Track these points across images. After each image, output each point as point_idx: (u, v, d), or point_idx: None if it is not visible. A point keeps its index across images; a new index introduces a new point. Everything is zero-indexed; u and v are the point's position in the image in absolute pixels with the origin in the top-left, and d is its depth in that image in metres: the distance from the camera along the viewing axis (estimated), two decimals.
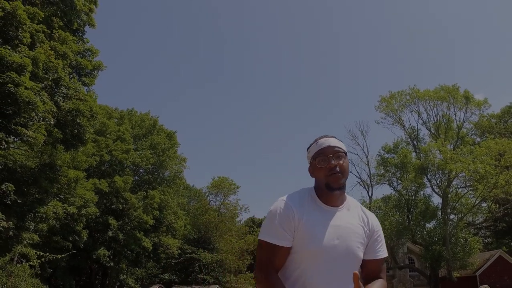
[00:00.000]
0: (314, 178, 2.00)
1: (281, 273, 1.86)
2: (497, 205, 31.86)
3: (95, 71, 23.20)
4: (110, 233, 30.35)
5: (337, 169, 1.88)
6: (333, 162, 1.89)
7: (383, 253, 1.99)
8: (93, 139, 26.85)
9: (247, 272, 45.73)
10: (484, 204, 32.29)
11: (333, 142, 1.95)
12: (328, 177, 1.88)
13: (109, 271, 33.82)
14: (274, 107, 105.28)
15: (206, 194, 45.82)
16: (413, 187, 32.97)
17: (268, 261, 1.83)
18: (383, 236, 2.05)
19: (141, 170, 34.87)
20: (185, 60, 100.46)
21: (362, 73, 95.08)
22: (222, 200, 45.29)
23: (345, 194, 2.00)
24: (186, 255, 41.25)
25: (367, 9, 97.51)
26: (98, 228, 29.94)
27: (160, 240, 35.95)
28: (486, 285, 13.43)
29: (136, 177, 34.83)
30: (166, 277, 41.71)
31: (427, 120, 33.57)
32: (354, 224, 1.92)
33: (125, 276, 35.07)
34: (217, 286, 42.18)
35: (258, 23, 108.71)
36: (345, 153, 1.98)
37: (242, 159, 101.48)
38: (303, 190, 1.99)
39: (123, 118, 33.91)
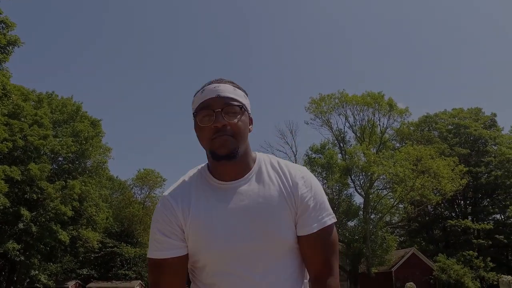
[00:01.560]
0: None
1: (194, 279, 1.35)
2: (413, 207, 33.69)
3: (10, 47, 20.82)
4: (21, 225, 27.56)
5: (228, 128, 1.28)
6: (220, 120, 1.28)
7: (318, 224, 1.31)
8: (5, 122, 23.97)
9: None
10: (401, 205, 33.96)
11: (224, 90, 1.33)
12: (212, 142, 1.29)
13: (17, 267, 30.68)
14: None
15: (131, 187, 43.73)
16: (337, 187, 33.77)
17: (158, 285, 1.29)
18: (324, 197, 1.37)
19: (60, 158, 32.00)
20: (116, 43, 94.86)
21: (295, 74, 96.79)
22: (147, 193, 43.48)
23: (255, 154, 1.41)
24: (107, 249, 38.96)
25: (304, 8, 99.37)
26: (7, 220, 27.07)
27: (79, 233, 33.42)
28: (411, 283, 13.62)
29: (55, 166, 31.93)
30: (84, 272, 39.03)
31: (354, 123, 34.63)
32: (268, 195, 1.31)
33: (36, 272, 32.02)
34: (139, 281, 40.44)
35: (187, 13, 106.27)
36: (242, 107, 1.33)
37: (170, 152, 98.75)
38: (192, 171, 1.42)
39: (41, 101, 30.69)
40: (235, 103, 1.33)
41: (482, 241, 38.92)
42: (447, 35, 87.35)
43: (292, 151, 35.72)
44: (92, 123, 33.99)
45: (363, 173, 32.17)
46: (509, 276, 11.15)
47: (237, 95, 1.35)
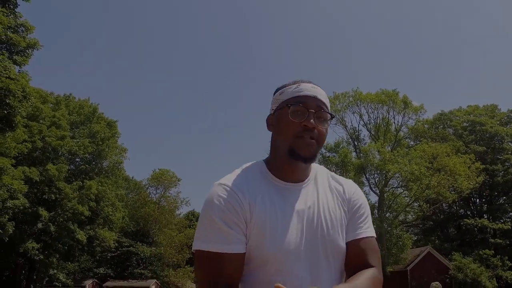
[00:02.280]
0: (272, 135, 1.35)
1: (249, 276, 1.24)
2: (428, 205, 33.16)
3: (29, 50, 20.97)
4: (40, 225, 27.84)
5: (315, 132, 1.26)
6: (312, 121, 1.25)
7: (367, 231, 1.34)
8: (25, 124, 24.20)
9: (186, 267, 44.55)
10: (416, 204, 33.50)
11: (321, 94, 1.32)
12: (297, 139, 1.26)
13: (37, 266, 30.99)
14: (220, 101, 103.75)
15: (146, 186, 43.87)
16: None
17: (216, 281, 1.16)
18: (368, 210, 1.40)
19: (77, 159, 32.24)
20: (130, 47, 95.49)
21: (308, 72, 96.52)
22: (162, 192, 43.58)
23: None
24: (123, 249, 39.15)
25: (318, 6, 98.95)
26: (26, 220, 27.35)
27: (96, 232, 33.63)
28: (437, 282, 13.41)
29: (72, 166, 32.16)
30: (101, 271, 39.28)
31: (368, 122, 34.26)
32: (327, 200, 1.33)
33: (55, 271, 32.33)
34: (155, 280, 40.61)
35: (201, 17, 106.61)
36: (331, 117, 1.32)
37: (184, 151, 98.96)
38: (249, 167, 1.35)
39: (59, 103, 31.00)
40: (326, 110, 1.32)
41: (500, 241, 38.19)
42: (461, 34, 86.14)
43: None
44: (108, 124, 34.21)
45: (378, 171, 31.83)
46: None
47: (328, 105, 1.34)
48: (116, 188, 34.97)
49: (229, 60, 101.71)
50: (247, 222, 1.23)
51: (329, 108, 1.34)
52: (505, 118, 44.22)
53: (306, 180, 1.34)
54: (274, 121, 1.33)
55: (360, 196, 1.40)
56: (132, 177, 44.45)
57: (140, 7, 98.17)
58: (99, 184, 31.96)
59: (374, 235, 1.38)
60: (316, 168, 1.41)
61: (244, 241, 1.22)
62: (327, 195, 1.35)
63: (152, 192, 43.93)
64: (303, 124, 1.25)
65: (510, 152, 41.02)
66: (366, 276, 1.24)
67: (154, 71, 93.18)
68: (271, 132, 1.37)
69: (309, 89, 1.30)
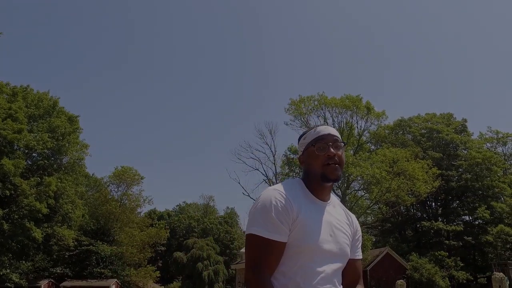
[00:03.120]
0: (305, 168, 1.79)
1: (276, 270, 1.62)
2: (388, 207, 33.74)
3: None
4: None
5: (336, 158, 1.71)
6: (332, 150, 1.71)
7: (360, 254, 1.88)
8: None
9: (148, 266, 43.36)
10: (376, 206, 34.01)
11: (333, 131, 1.79)
12: (325, 167, 1.69)
13: None
14: (186, 99, 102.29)
15: (107, 184, 42.26)
16: None
17: (262, 260, 1.57)
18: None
19: (34, 154, 30.58)
20: (93, 38, 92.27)
21: (276, 75, 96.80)
22: (125, 190, 42.14)
23: None
24: (83, 247, 37.54)
25: (286, 12, 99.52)
26: None
27: (54, 230, 32.06)
28: (402, 281, 13.51)
29: (29, 161, 30.48)
30: (58, 271, 37.36)
31: (332, 125, 34.26)
32: (342, 222, 1.79)
33: (7, 271, 30.41)
34: (115, 280, 39.21)
35: (176, 11, 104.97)
36: (345, 144, 1.81)
37: (149, 150, 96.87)
38: (291, 181, 1.78)
39: (16, 95, 29.12)
40: (340, 141, 1.75)
41: (453, 242, 39.52)
42: (423, 45, 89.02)
43: (271, 151, 35.47)
44: (69, 119, 32.62)
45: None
46: (501, 273, 11.29)
47: (339, 136, 1.78)
48: (76, 185, 33.50)
49: (200, 55, 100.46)
50: (293, 220, 1.61)
51: (341, 138, 1.76)
52: (460, 126, 45.86)
53: (329, 201, 1.77)
54: (305, 159, 1.78)
55: (359, 228, 1.91)
56: (93, 174, 42.75)
57: None
58: (59, 180, 30.48)
59: (362, 257, 1.88)
60: (333, 197, 1.84)
61: (287, 235, 1.59)
62: (342, 217, 1.81)
63: (114, 190, 42.43)
64: (326, 154, 1.69)
65: (463, 159, 42.54)
66: None
67: (119, 66, 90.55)
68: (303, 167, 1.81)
69: (323, 129, 1.77)
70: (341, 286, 1.72)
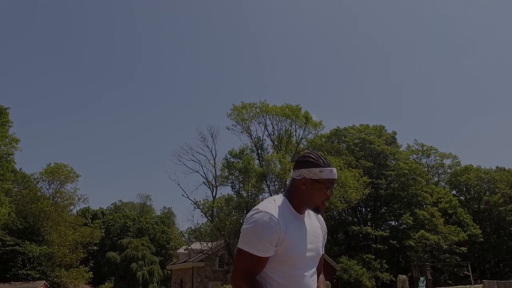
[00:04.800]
0: (303, 193, 2.01)
1: (263, 273, 1.94)
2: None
3: None
4: None
5: (326, 201, 2.02)
6: (330, 193, 1.99)
7: (323, 250, 2.14)
8: None
9: (80, 267, 41.33)
10: None
11: (337, 175, 2.02)
12: (321, 204, 2.00)
13: None
14: (126, 98, 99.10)
15: (37, 181, 39.62)
16: (253, 191, 33.99)
17: (251, 271, 1.89)
18: None
19: None
20: (23, 26, 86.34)
21: (219, 80, 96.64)
22: (58, 188, 39.77)
23: None
24: (7, 248, 34.89)
25: (231, 16, 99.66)
26: None
27: None
28: (404, 276, 14.06)
29: None
30: None
31: (272, 132, 35.16)
32: (317, 227, 2.10)
33: None
34: (44, 281, 36.91)
35: (116, 7, 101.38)
36: None
37: (85, 147, 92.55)
38: (278, 200, 2.01)
39: None
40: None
41: (380, 246, 41.81)
42: (360, 58, 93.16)
43: (212, 154, 35.33)
44: None
45: (278, 180, 32.75)
46: (404, 276, 12.41)
47: None
48: (2, 181, 31.08)
49: (143, 55, 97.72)
50: (281, 239, 1.88)
51: None
52: (390, 138, 48.57)
53: (305, 213, 2.06)
54: (309, 186, 1.97)
55: (326, 230, 2.20)
56: (20, 169, 39.84)
57: None
58: None
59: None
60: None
61: (274, 250, 1.89)
62: (316, 223, 2.11)
63: (45, 187, 39.88)
64: (328, 196, 1.98)
65: (392, 169, 45.13)
66: (323, 280, 2.21)
67: (55, 58, 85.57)
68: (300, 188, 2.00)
69: (335, 173, 1.97)
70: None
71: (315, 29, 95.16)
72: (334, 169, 1.98)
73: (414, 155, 53.62)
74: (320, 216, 2.17)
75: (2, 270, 35.30)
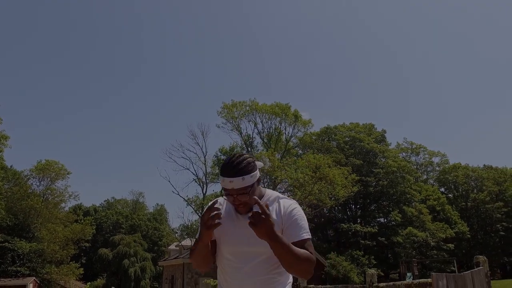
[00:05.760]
0: None
1: (219, 266, 2.03)
2: (310, 209, 35.01)
3: None
4: None
5: (241, 204, 1.90)
6: (236, 201, 1.89)
7: (297, 236, 1.89)
8: None
9: (71, 263, 41.05)
10: None
11: (236, 184, 1.85)
12: (236, 207, 1.94)
13: None
14: (118, 95, 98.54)
15: (27, 177, 39.20)
16: None
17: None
18: (304, 220, 1.95)
19: None
20: (17, 24, 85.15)
21: (210, 77, 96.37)
22: (48, 185, 39.41)
23: (264, 190, 2.02)
24: None
25: (223, 13, 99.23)
26: None
27: None
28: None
29: None
30: None
31: (262, 130, 35.18)
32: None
33: None
34: (34, 278, 36.60)
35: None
36: (250, 189, 1.87)
37: (77, 144, 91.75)
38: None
39: None
40: (244, 190, 1.84)
41: (368, 242, 41.97)
42: (352, 54, 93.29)
43: (202, 151, 35.23)
44: None
45: (268, 177, 32.71)
46: (372, 270, 12.57)
47: (245, 183, 1.83)
48: None
49: (136, 52, 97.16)
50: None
51: (247, 184, 1.83)
52: (379, 136, 48.72)
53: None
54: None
55: (294, 213, 1.92)
56: (11, 166, 39.43)
57: None
58: None
59: (305, 237, 1.87)
60: (269, 195, 2.01)
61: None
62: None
63: (35, 184, 39.48)
64: (233, 202, 1.89)
65: (381, 167, 45.29)
66: (303, 249, 1.81)
67: (43, 52, 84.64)
68: None
69: (228, 184, 1.83)
70: (277, 271, 1.90)
71: (307, 26, 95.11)
72: (229, 179, 1.83)
73: (403, 153, 53.89)
74: (286, 205, 1.97)
75: None
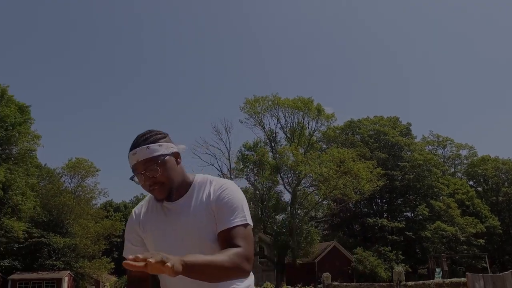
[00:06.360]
0: None
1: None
2: (335, 203, 34.52)
3: None
4: None
5: (155, 185, 1.55)
6: (146, 178, 1.54)
7: (227, 223, 1.52)
8: None
9: (103, 258, 42.01)
10: (325, 202, 34.67)
11: (140, 155, 1.54)
12: (151, 192, 1.59)
13: None
14: (143, 93, 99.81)
15: (60, 175, 40.37)
16: (267, 184, 33.75)
17: (128, 273, 1.66)
18: (237, 203, 1.56)
19: None
20: (46, 22, 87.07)
21: (233, 74, 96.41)
22: (79, 182, 40.49)
23: (193, 176, 1.68)
24: (34, 239, 35.72)
25: (240, 15, 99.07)
26: None
27: (3, 222, 30.29)
28: (327, 273, 13.74)
29: None
30: (6, 264, 35.38)
31: (285, 125, 34.89)
32: (196, 208, 1.59)
33: None
34: (68, 271, 37.70)
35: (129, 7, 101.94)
36: (159, 159, 1.54)
37: (107, 141, 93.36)
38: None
39: None
40: (152, 162, 1.52)
41: (396, 237, 40.96)
42: (376, 49, 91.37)
43: (226, 147, 35.27)
44: (20, 108, 30.78)
45: (292, 172, 32.41)
46: (400, 267, 12.11)
47: (152, 152, 1.53)
48: (27, 176, 31.74)
49: (161, 52, 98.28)
50: (143, 237, 1.65)
51: (155, 154, 1.52)
52: (405, 130, 47.52)
53: (184, 195, 1.62)
54: None
55: (224, 195, 1.56)
56: (45, 165, 40.71)
57: None
58: (8, 171, 28.79)
59: (239, 223, 1.50)
60: (197, 182, 1.65)
61: (141, 250, 1.62)
62: (198, 202, 1.59)
63: (67, 181, 40.65)
64: (145, 184, 1.55)
65: (407, 160, 44.13)
66: (226, 252, 1.40)
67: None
68: None
69: (131, 157, 1.55)
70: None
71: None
72: (133, 151, 1.54)
73: (429, 146, 52.34)
74: (215, 187, 1.61)
75: (31, 260, 36.21)
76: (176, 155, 1.61)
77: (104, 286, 42.90)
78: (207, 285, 1.47)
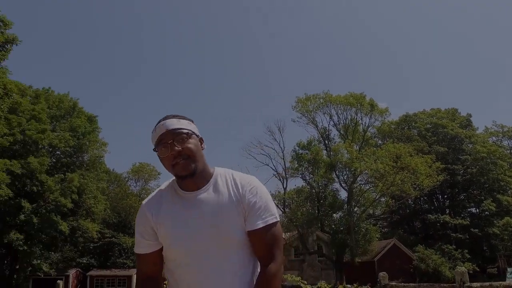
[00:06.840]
0: None
1: (166, 268, 1.62)
2: (393, 200, 33.37)
3: (8, 45, 20.21)
4: (22, 217, 27.01)
5: (180, 158, 1.51)
6: (176, 148, 1.50)
7: (262, 221, 1.52)
8: (3, 116, 23.30)
9: None
10: (382, 199, 33.67)
11: (170, 124, 1.54)
12: (173, 167, 1.53)
13: (19, 256, 30.10)
14: (202, 97, 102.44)
15: (126, 179, 42.89)
16: (323, 182, 33.42)
17: (138, 271, 1.61)
18: (267, 200, 1.56)
19: (58, 152, 31.30)
20: (109, 39, 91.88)
21: (284, 74, 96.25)
22: (143, 185, 42.74)
23: (213, 169, 1.62)
24: (106, 239, 38.36)
25: (289, 13, 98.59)
26: (9, 211, 26.53)
27: (79, 224, 32.83)
28: (384, 273, 13.43)
29: (53, 159, 31.25)
30: (84, 261, 38.40)
31: (338, 122, 34.34)
32: (221, 201, 1.54)
33: (38, 261, 31.46)
34: None
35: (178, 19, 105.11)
36: (188, 132, 1.54)
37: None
38: (166, 183, 1.67)
39: (38, 97, 29.83)
40: (181, 132, 1.52)
41: (460, 236, 38.69)
42: (429, 40, 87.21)
43: (280, 147, 35.40)
44: (89, 118, 33.22)
45: (347, 169, 31.83)
46: (463, 268, 11.33)
47: (182, 124, 1.54)
48: (98, 181, 34.14)
49: (206, 55, 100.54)
50: (156, 229, 1.55)
51: (184, 127, 1.54)
52: (465, 121, 44.82)
53: (204, 186, 1.56)
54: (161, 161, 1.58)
55: (254, 191, 1.55)
56: (113, 170, 43.52)
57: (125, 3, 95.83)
58: (81, 177, 31.14)
59: (270, 221, 1.53)
60: (218, 174, 1.60)
61: (154, 244, 1.56)
62: (223, 195, 1.54)
63: (132, 185, 43.08)
64: (171, 154, 1.50)
65: (468, 153, 41.60)
66: (261, 279, 1.49)
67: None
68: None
69: (160, 127, 1.53)
70: (244, 269, 1.54)
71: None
72: (158, 126, 1.55)
73: (493, 138, 48.86)
74: (242, 181, 1.58)
75: (104, 258, 38.91)
76: (201, 140, 1.62)
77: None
78: (215, 278, 1.48)
